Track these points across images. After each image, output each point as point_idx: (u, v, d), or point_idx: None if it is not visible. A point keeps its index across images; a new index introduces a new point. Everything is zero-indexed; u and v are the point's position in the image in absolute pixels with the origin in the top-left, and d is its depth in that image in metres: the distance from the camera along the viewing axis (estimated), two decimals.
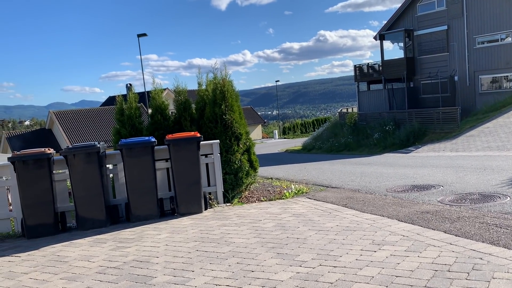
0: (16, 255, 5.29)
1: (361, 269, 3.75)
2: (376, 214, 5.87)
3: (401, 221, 5.40)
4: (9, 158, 6.11)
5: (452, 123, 21.52)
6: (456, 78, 25.11)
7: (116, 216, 6.76)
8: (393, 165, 13.77)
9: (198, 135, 6.80)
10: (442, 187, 8.05)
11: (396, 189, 8.31)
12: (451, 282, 3.30)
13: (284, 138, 56.12)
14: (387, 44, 29.56)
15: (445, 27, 25.30)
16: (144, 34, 28.97)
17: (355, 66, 31.21)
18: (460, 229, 4.81)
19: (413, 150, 19.06)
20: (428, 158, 15.45)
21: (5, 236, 6.41)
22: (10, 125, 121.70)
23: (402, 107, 26.63)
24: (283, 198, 7.57)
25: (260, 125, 62.27)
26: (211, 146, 7.34)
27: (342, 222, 5.51)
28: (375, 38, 29.62)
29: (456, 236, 4.55)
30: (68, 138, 34.74)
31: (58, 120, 36.35)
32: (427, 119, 22.74)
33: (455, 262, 3.73)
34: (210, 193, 7.33)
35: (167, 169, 7.22)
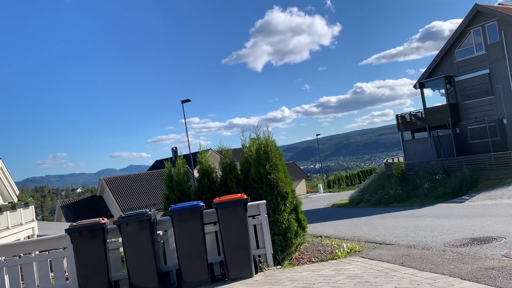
0: None
1: None
2: (436, 273, 5.55)
3: (465, 279, 5.07)
4: (66, 230, 6.34)
5: (506, 168, 20.51)
6: (505, 121, 24.21)
7: (168, 283, 6.74)
8: (447, 216, 13.14)
9: (245, 197, 6.83)
10: (504, 239, 7.55)
11: (455, 243, 7.87)
12: None
13: (329, 191, 55.16)
14: (427, 91, 29.25)
15: (487, 71, 24.83)
16: (188, 100, 30.23)
17: (397, 115, 30.87)
18: None
19: (467, 199, 18.18)
20: (485, 207, 14.66)
21: None
22: (63, 193, 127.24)
23: (450, 154, 25.76)
24: (336, 258, 7.32)
25: (304, 179, 61.77)
26: (258, 207, 7.32)
27: (400, 283, 5.23)
28: (414, 86, 29.42)
29: None
30: (118, 204, 35.74)
31: (108, 187, 37.67)
32: (479, 166, 21.82)
33: None
34: (259, 256, 7.22)
35: (216, 232, 7.22)
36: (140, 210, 6.69)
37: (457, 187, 20.67)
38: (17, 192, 24.50)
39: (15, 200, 22.59)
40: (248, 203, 6.85)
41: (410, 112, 30.66)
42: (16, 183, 25.03)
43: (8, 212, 18.68)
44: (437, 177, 22.64)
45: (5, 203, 20.61)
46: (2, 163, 23.31)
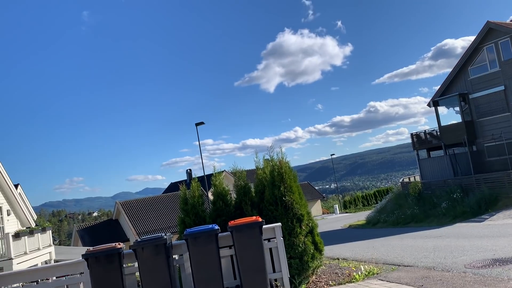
0: None
1: None
2: None
3: None
4: (83, 255, 6.37)
5: None
6: None
7: None
8: (467, 236, 12.86)
9: (260, 219, 6.80)
10: None
11: (475, 264, 7.68)
12: None
13: (346, 212, 54.51)
14: (441, 109, 29.05)
15: (502, 87, 24.60)
16: (202, 123, 30.43)
17: (411, 134, 30.64)
18: None
19: (487, 218, 17.79)
20: (506, 226, 14.32)
21: None
22: (80, 217, 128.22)
23: (467, 172, 25.36)
24: (353, 281, 7.20)
25: (319, 200, 61.26)
26: (274, 230, 7.27)
27: None
28: (429, 105, 29.24)
29: None
30: (134, 227, 35.82)
31: (124, 210, 37.84)
32: (498, 183, 21.40)
33: None
34: (276, 280, 7.13)
35: (231, 256, 7.18)
36: (155, 234, 6.70)
37: (476, 206, 20.26)
38: (35, 217, 24.76)
39: (33, 225, 22.83)
40: (263, 226, 6.81)
41: (425, 130, 30.42)
42: (34, 208, 25.33)
43: (26, 237, 18.85)
44: (455, 196, 22.25)
45: (23, 228, 20.83)
46: (21, 188, 23.66)
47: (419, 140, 30.05)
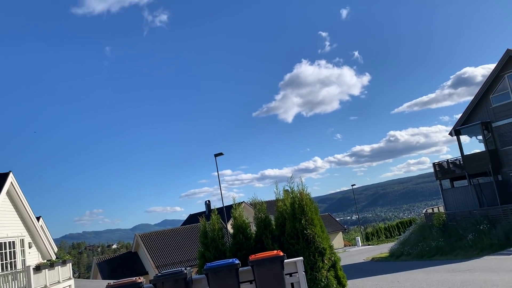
0: None
1: None
2: None
3: None
4: None
5: None
6: None
7: None
8: (496, 270, 12.35)
9: (281, 253, 6.68)
10: None
11: None
12: None
13: (368, 244, 53.26)
14: (463, 138, 28.54)
15: None
16: (221, 154, 30.55)
17: (434, 163, 30.08)
18: None
19: None
20: None
21: None
22: (99, 249, 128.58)
23: (493, 203, 24.62)
24: None
25: (341, 232, 60.08)
26: (295, 264, 7.12)
27: None
28: (450, 134, 28.81)
29: None
30: (152, 260, 35.64)
31: (143, 243, 37.78)
32: None
33: None
34: None
35: None
36: (176, 269, 6.63)
37: (504, 237, 19.55)
38: (55, 249, 24.89)
39: (53, 257, 22.91)
40: (285, 260, 6.68)
41: (447, 159, 29.87)
42: (55, 240, 25.49)
43: (46, 270, 18.89)
44: (481, 228, 21.55)
45: (44, 261, 20.92)
46: (42, 221, 23.92)
47: (442, 170, 29.48)
